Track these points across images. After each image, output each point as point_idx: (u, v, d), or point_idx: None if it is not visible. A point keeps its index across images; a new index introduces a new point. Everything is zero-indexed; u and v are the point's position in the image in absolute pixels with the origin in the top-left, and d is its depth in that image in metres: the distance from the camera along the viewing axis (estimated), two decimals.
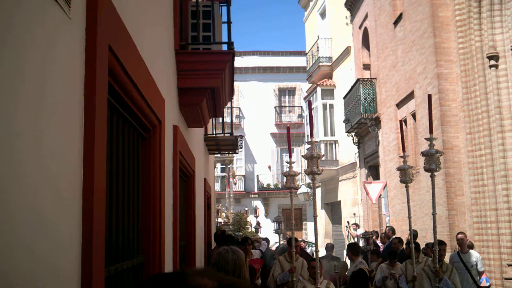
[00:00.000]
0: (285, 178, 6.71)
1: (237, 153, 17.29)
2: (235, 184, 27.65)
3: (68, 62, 1.93)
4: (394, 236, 12.30)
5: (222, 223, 21.40)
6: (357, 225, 19.90)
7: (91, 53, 2.10)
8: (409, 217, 6.20)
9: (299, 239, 16.71)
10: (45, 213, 1.71)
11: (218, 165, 30.11)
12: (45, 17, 1.72)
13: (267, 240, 16.27)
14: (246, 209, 26.76)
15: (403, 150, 6.09)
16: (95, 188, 2.10)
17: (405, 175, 5.87)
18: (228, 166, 25.06)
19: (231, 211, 22.78)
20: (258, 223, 24.27)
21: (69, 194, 1.93)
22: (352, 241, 17.70)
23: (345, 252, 18.48)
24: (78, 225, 2.02)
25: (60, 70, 1.85)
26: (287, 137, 6.58)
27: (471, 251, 10.32)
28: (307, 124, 26.99)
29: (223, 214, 22.05)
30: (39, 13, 1.67)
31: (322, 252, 12.70)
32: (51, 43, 1.78)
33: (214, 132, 10.78)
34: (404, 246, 10.92)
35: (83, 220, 2.05)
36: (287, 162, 5.90)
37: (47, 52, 1.74)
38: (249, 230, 21.87)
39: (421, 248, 10.63)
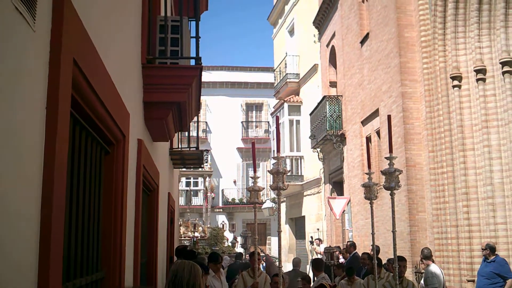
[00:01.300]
0: (249, 193, 6.71)
1: (202, 167, 17.22)
2: (213, 198, 27.52)
3: (31, 75, 1.91)
4: (362, 252, 12.36)
5: (199, 237, 21.25)
6: (320, 240, 19.99)
7: (55, 66, 2.08)
8: (373, 233, 6.26)
9: (262, 254, 16.67)
10: (1, 229, 1.68)
11: (183, 179, 29.96)
12: (9, 29, 1.71)
13: (239, 255, 16.15)
14: (223, 223, 26.67)
15: (369, 167, 6.16)
16: (54, 202, 2.07)
17: (370, 192, 5.93)
18: (207, 179, 24.97)
19: (208, 225, 22.67)
20: (234, 238, 24.22)
21: (27, 208, 1.90)
22: (316, 256, 17.76)
23: (308, 266, 18.54)
24: (35, 240, 1.99)
25: (23, 83, 1.83)
26: (252, 152, 6.59)
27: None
28: (273, 139, 27.13)
29: (200, 229, 21.92)
30: (2, 25, 1.66)
31: (288, 267, 12.70)
32: (14, 55, 1.76)
33: (179, 146, 10.73)
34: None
35: (40, 236, 2.01)
36: (251, 177, 5.90)
37: (9, 64, 1.72)
38: (226, 245, 21.77)
39: (383, 263, 10.74)
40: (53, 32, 2.10)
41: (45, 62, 2.06)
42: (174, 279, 3.57)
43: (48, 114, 2.06)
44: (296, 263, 12.66)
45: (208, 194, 24.63)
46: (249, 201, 6.08)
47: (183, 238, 21.08)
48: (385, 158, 5.84)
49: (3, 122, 1.68)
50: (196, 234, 21.38)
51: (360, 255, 12.12)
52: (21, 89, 1.82)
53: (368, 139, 16.72)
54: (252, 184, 6.46)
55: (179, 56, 5.57)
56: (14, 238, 1.77)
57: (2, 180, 1.68)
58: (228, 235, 26.50)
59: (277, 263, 13.32)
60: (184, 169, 21.12)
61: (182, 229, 21.60)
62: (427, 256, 10.30)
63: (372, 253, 10.98)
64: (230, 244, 22.27)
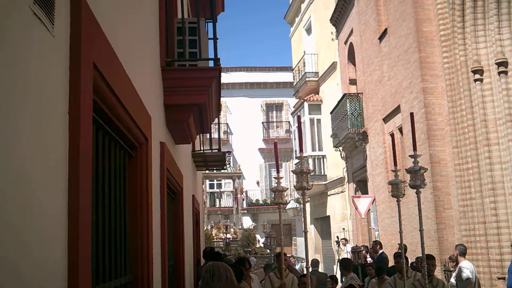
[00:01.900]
0: (273, 193, 6.68)
1: (225, 169, 17.23)
2: (244, 200, 27.56)
3: (52, 80, 1.91)
4: (395, 252, 12.16)
5: (231, 239, 21.26)
6: (346, 240, 19.87)
7: (75, 71, 2.07)
8: (400, 232, 6.17)
9: (288, 255, 16.58)
10: (31, 234, 1.67)
11: (207, 181, 30.04)
12: (28, 35, 1.70)
13: (241, 260, 16.04)
14: (254, 225, 26.64)
15: (395, 164, 6.08)
16: (80, 207, 2.06)
17: (397, 189, 5.85)
18: (236, 181, 24.99)
19: (239, 227, 22.67)
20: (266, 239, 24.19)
21: (54, 214, 1.90)
22: (342, 256, 17.65)
23: (335, 267, 18.44)
24: (64, 245, 1.99)
25: (44, 89, 1.83)
26: (274, 153, 6.56)
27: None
28: (295, 139, 27.04)
29: (232, 230, 21.95)
30: (21, 31, 1.65)
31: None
32: (34, 61, 1.75)
33: (201, 148, 10.75)
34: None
35: (68, 240, 2.01)
36: (275, 178, 5.87)
37: (30, 70, 1.72)
38: (258, 246, 21.76)
39: (410, 262, 10.61)
40: (72, 36, 2.10)
41: (65, 67, 2.05)
42: (212, 277, 3.70)
43: (71, 119, 2.05)
44: (315, 263, 12.60)
45: (238, 195, 24.61)
46: (273, 201, 6.05)
47: (215, 240, 21.11)
48: (410, 156, 5.76)
49: (27, 129, 1.68)
50: (228, 235, 21.39)
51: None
52: (42, 95, 1.82)
53: (391, 136, 16.58)
54: (276, 184, 6.43)
55: (197, 58, 5.56)
56: (42, 244, 1.77)
57: (28, 188, 1.67)
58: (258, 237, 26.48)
59: (304, 263, 13.26)
60: (214, 171, 21.26)
61: (214, 231, 21.63)
62: (462, 252, 10.15)
63: (400, 251, 10.88)
64: (262, 245, 22.21)
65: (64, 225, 1.99)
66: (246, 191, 33.93)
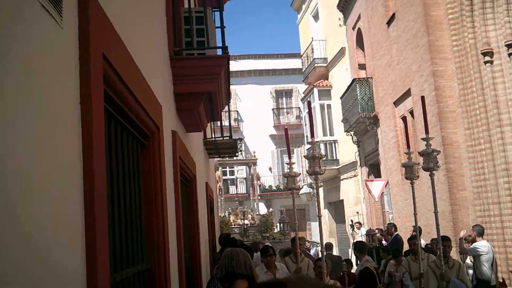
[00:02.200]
0: (286, 179, 6.71)
1: (237, 155, 17.26)
2: (260, 186, 27.57)
3: (62, 72, 1.93)
4: (410, 235, 12.12)
5: (249, 225, 21.36)
6: (360, 224, 19.89)
7: (85, 62, 2.10)
8: (415, 214, 6.18)
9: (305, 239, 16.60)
10: (47, 223, 1.71)
11: (220, 168, 30.11)
12: (37, 28, 1.73)
13: (255, 244, 16.06)
14: (271, 210, 26.69)
15: (408, 147, 6.08)
16: (96, 197, 2.10)
17: (411, 171, 5.86)
18: (252, 167, 24.99)
19: (257, 212, 22.74)
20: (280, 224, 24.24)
21: (70, 204, 1.93)
22: (357, 239, 17.68)
23: (350, 250, 18.48)
24: (81, 234, 2.02)
25: (55, 80, 1.85)
26: (285, 139, 6.59)
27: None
28: (305, 124, 27.03)
29: (249, 216, 22.04)
30: (30, 23, 1.68)
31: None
32: (44, 53, 1.78)
33: (213, 136, 10.78)
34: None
35: (85, 229, 2.05)
36: (287, 163, 5.91)
37: (40, 62, 1.74)
38: (276, 231, 21.86)
39: (425, 244, 10.59)
40: (81, 28, 2.12)
41: (75, 58, 2.07)
42: (230, 262, 3.74)
43: (83, 110, 2.08)
44: (328, 247, 12.65)
45: (255, 182, 24.63)
46: (286, 187, 6.09)
47: (233, 226, 21.21)
48: (422, 139, 5.75)
49: (40, 121, 1.70)
50: (246, 221, 21.48)
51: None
52: (53, 87, 1.84)
53: (403, 119, 16.52)
54: (288, 170, 6.46)
55: (205, 47, 5.58)
56: (61, 235, 1.80)
57: (43, 179, 1.70)
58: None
59: (319, 248, 13.29)
60: (227, 158, 21.36)
61: (232, 218, 21.73)
62: (480, 233, 10.14)
63: (414, 233, 10.88)
64: (279, 230, 22.28)
65: (80, 215, 2.03)
66: (260, 177, 34.00)
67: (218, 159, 22.18)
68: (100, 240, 2.13)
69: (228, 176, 33.92)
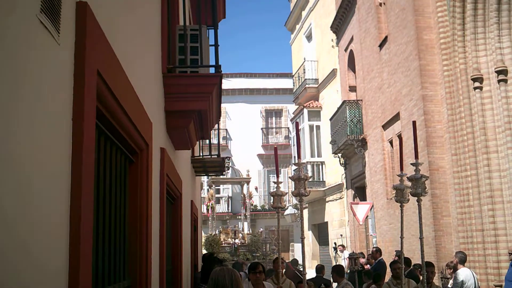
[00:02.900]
0: (272, 198, 6.69)
1: (224, 174, 17.22)
2: (252, 205, 27.50)
3: (56, 87, 1.94)
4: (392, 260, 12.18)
5: (239, 244, 21.23)
6: (343, 247, 19.87)
7: (79, 78, 2.11)
8: (402, 237, 6.18)
9: (287, 260, 16.52)
10: (32, 238, 1.70)
11: (205, 187, 30.00)
12: (34, 42, 1.74)
13: (238, 264, 15.94)
14: (261, 229, 26.65)
15: (401, 169, 6.09)
16: (82, 212, 2.09)
17: (401, 194, 5.86)
18: (244, 186, 24.99)
19: (248, 231, 22.67)
20: (275, 244, 24.09)
21: (56, 218, 1.93)
22: (339, 262, 17.64)
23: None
24: (66, 249, 2.02)
25: (49, 95, 1.86)
26: (274, 157, 6.59)
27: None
28: (294, 145, 27.08)
29: (240, 235, 21.93)
30: (27, 38, 1.69)
31: (312, 274, 12.62)
32: (40, 68, 1.79)
33: (201, 154, 10.77)
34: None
35: (70, 243, 2.04)
36: (274, 182, 5.89)
37: (35, 77, 1.75)
38: (266, 250, 21.73)
39: (407, 271, 10.59)
40: (77, 44, 2.14)
41: (70, 74, 2.09)
42: (216, 285, 3.63)
43: (75, 126, 2.09)
44: (319, 269, 12.58)
45: (247, 201, 24.59)
46: (272, 206, 6.07)
47: (223, 245, 21.10)
48: (411, 164, 5.77)
49: (32, 134, 1.71)
50: (237, 240, 21.37)
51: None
52: (47, 102, 1.85)
53: (391, 143, 16.62)
54: (275, 189, 6.46)
55: (199, 65, 5.60)
56: (44, 247, 1.80)
57: (31, 192, 1.70)
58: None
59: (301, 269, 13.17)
60: (220, 177, 21.28)
61: (223, 236, 21.64)
62: (462, 260, 10.14)
63: (396, 257, 10.88)
64: (270, 250, 22.16)
65: (65, 230, 2.02)
66: (243, 195, 33.87)
67: (212, 177, 22.14)
68: (84, 255, 2.12)
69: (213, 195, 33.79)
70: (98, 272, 2.72)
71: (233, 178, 25.04)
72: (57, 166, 1.95)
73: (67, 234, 2.03)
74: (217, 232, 22.16)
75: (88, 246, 2.22)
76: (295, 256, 31.67)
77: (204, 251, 19.42)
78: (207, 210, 24.20)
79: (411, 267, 11.28)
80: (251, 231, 23.60)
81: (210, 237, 20.88)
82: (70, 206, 2.06)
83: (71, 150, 2.08)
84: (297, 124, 5.92)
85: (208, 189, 26.37)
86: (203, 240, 20.88)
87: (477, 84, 12.44)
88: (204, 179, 31.76)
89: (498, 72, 12.13)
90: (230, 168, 25.37)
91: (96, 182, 2.64)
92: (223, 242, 21.22)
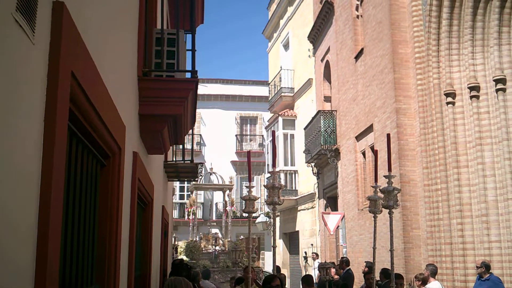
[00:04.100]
0: (244, 203, 6.66)
1: (197, 180, 17.12)
2: (234, 212, 27.34)
3: (29, 88, 1.90)
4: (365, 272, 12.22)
5: (220, 251, 20.99)
6: (317, 255, 19.93)
7: (53, 79, 2.07)
8: (374, 248, 6.22)
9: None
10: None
11: (177, 192, 29.84)
12: (8, 42, 1.70)
13: (206, 272, 15.76)
14: (242, 237, 26.49)
15: (375, 180, 6.13)
16: (51, 216, 2.05)
17: (375, 205, 5.90)
18: (226, 193, 24.85)
19: (228, 239, 22.52)
20: (255, 252, 23.95)
21: (24, 220, 1.88)
22: (309, 272, 17.68)
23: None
24: (33, 252, 1.97)
25: (21, 96, 1.82)
26: (247, 162, 6.56)
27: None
28: (267, 153, 27.11)
29: (220, 242, 21.72)
30: (1, 37, 1.65)
31: None
32: (13, 67, 1.75)
33: (174, 159, 10.70)
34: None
35: (37, 246, 2.00)
36: (246, 187, 5.87)
37: (8, 76, 1.71)
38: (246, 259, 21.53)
39: (377, 280, 10.63)
40: (52, 44, 2.10)
41: (44, 74, 2.05)
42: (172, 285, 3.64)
43: (46, 127, 2.05)
44: (281, 279, 12.51)
45: (228, 208, 24.45)
46: (244, 210, 6.03)
47: (204, 252, 20.86)
48: (384, 176, 5.82)
49: (2, 134, 1.67)
50: (217, 248, 21.15)
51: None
52: (19, 102, 1.81)
53: (363, 155, 16.74)
54: (247, 193, 6.43)
55: (175, 69, 5.57)
56: (11, 249, 1.75)
57: (0, 194, 1.66)
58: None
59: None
60: (203, 183, 21.09)
61: (203, 243, 21.41)
62: (433, 272, 10.21)
63: (366, 270, 10.92)
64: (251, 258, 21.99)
65: (34, 232, 1.98)
66: (216, 203, 33.75)
67: (193, 182, 21.92)
68: (51, 259, 2.08)
69: (185, 200, 33.62)
70: (65, 276, 2.67)
71: (215, 184, 24.91)
72: (28, 167, 1.91)
73: (35, 236, 1.99)
74: (197, 238, 21.95)
75: (56, 249, 2.17)
76: (265, 264, 31.68)
77: (185, 258, 19.20)
78: (188, 215, 23.99)
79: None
80: (230, 238, 23.49)
81: (191, 243, 20.66)
82: (39, 208, 2.02)
83: (42, 152, 2.03)
84: (273, 133, 5.93)
85: (189, 195, 26.15)
86: (183, 246, 20.66)
87: (449, 99, 12.62)
88: (185, 184, 31.55)
89: (471, 88, 12.33)
90: (213, 174, 25.24)
91: (66, 184, 2.59)
92: (203, 249, 21.02)
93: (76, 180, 2.85)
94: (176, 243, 21.56)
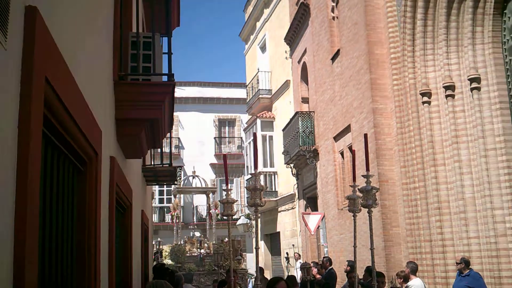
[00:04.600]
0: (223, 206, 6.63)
1: (176, 184, 17.04)
2: (218, 215, 27.24)
3: (2, 94, 1.87)
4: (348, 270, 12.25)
5: (205, 254, 20.82)
6: (299, 255, 19.97)
7: (27, 86, 2.04)
8: (355, 246, 6.25)
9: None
10: None
11: (156, 196, 29.65)
12: None
13: (189, 275, 15.65)
14: (226, 239, 26.33)
15: (354, 180, 6.17)
16: (27, 223, 2.02)
17: (354, 204, 5.94)
18: (210, 195, 24.75)
19: (213, 241, 22.40)
20: (240, 254, 23.86)
21: (0, 231, 1.85)
22: (291, 272, 17.71)
23: None
24: (10, 261, 1.94)
25: None
26: (224, 165, 6.55)
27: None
28: (246, 155, 27.12)
29: (205, 245, 21.57)
30: None
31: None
32: None
33: (152, 163, 10.63)
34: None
35: (14, 255, 1.97)
36: (224, 190, 5.87)
37: None
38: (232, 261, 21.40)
39: (359, 279, 10.69)
40: (25, 50, 2.07)
41: (17, 80, 2.02)
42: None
43: (20, 133, 2.01)
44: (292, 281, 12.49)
45: (212, 210, 24.34)
46: (223, 214, 6.02)
47: (188, 255, 20.69)
48: (362, 176, 5.86)
49: None
50: (202, 251, 21.00)
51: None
52: None
53: (341, 155, 16.82)
54: (225, 196, 6.41)
55: (151, 73, 5.53)
56: None
57: None
58: None
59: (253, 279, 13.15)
60: (185, 186, 20.98)
61: (188, 246, 21.25)
62: (414, 270, 10.28)
63: (348, 269, 10.97)
64: (236, 260, 21.91)
65: (10, 241, 1.95)
66: (196, 206, 33.61)
67: (176, 186, 21.80)
68: (29, 268, 2.05)
69: (165, 204, 33.47)
70: (44, 284, 2.63)
71: (198, 187, 24.85)
72: (2, 175, 1.88)
73: (11, 245, 1.96)
74: (182, 242, 21.81)
75: (34, 257, 2.14)
76: (247, 266, 31.63)
77: (170, 262, 19.06)
78: (172, 219, 23.84)
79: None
80: (215, 241, 23.41)
81: (176, 247, 20.52)
82: (15, 217, 1.98)
83: (16, 159, 2.00)
84: (254, 135, 5.93)
85: (171, 199, 25.99)
86: (168, 250, 20.51)
87: (425, 98, 12.76)
88: (165, 188, 31.32)
89: (446, 88, 12.47)
90: (196, 177, 25.15)
91: (42, 192, 2.56)
92: (188, 252, 20.90)
93: (53, 187, 2.81)
94: (161, 247, 21.40)
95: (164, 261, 19.01)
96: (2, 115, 1.88)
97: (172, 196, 28.82)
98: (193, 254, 20.83)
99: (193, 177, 24.35)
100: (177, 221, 22.91)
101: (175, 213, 23.00)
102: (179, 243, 21.44)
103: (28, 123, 2.04)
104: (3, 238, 1.89)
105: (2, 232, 1.88)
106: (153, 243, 25.65)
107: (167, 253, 20.34)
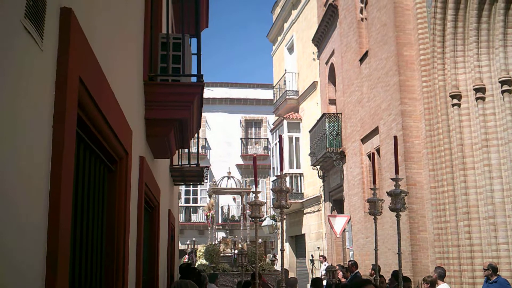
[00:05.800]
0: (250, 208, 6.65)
1: (202, 184, 17.12)
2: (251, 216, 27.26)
3: (38, 94, 1.91)
4: (366, 272, 12.24)
5: (239, 254, 20.91)
6: (324, 258, 19.87)
7: (61, 85, 2.08)
8: (376, 250, 6.22)
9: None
10: (9, 248, 1.66)
11: (183, 196, 29.82)
12: (17, 49, 1.71)
13: (213, 275, 15.67)
14: (260, 241, 26.41)
15: (374, 182, 6.14)
16: (61, 222, 2.06)
17: (374, 207, 5.91)
18: (244, 197, 24.86)
19: (248, 242, 22.50)
20: (274, 256, 23.90)
21: (34, 228, 1.89)
22: (316, 275, 17.63)
23: (308, 285, 18.40)
24: (43, 257, 1.98)
25: (30, 102, 1.83)
26: (253, 167, 6.56)
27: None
28: (272, 156, 27.10)
29: (239, 246, 21.72)
30: (11, 43, 1.66)
31: None
32: (22, 74, 1.76)
33: (180, 163, 10.70)
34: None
35: (47, 251, 2.00)
36: (252, 192, 5.89)
37: (17, 83, 1.72)
38: (266, 262, 21.47)
39: (386, 283, 10.61)
40: (60, 51, 2.10)
41: (52, 80, 2.05)
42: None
43: (55, 133, 2.05)
44: (292, 283, 12.49)
45: (247, 211, 24.41)
46: (251, 216, 6.03)
47: (223, 255, 20.84)
48: (391, 179, 5.82)
49: (11, 140, 1.67)
50: (236, 251, 21.12)
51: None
52: (28, 108, 1.82)
53: (369, 157, 16.71)
54: (254, 198, 6.42)
55: (180, 74, 5.57)
56: (21, 256, 1.76)
57: (9, 198, 1.66)
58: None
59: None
60: (220, 186, 21.21)
61: (222, 246, 21.39)
62: (441, 275, 10.15)
63: (372, 272, 10.88)
64: (269, 261, 21.90)
65: (44, 239, 1.98)
66: (222, 206, 33.70)
67: (213, 186, 22.00)
68: (61, 265, 2.08)
69: (191, 204, 33.65)
70: (74, 280, 2.67)
71: (233, 188, 24.94)
72: (37, 173, 1.91)
73: (45, 242, 1.99)
74: (217, 242, 21.90)
75: (65, 254, 2.18)
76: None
77: (204, 262, 19.16)
78: (207, 219, 23.96)
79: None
80: (248, 241, 23.46)
81: (210, 247, 20.65)
82: (49, 214, 2.02)
83: (50, 157, 2.04)
84: (280, 137, 5.94)
85: (208, 198, 26.11)
86: (202, 250, 20.64)
87: (455, 101, 12.60)
88: (191, 188, 31.48)
89: (476, 90, 12.31)
90: (231, 178, 25.25)
91: (74, 190, 2.60)
92: (222, 252, 21.00)
93: (84, 185, 2.85)
94: (195, 246, 21.47)
95: (198, 261, 19.13)
96: (38, 114, 1.92)
97: (207, 197, 28.96)
98: (226, 254, 20.89)
99: (228, 178, 24.35)
100: (212, 221, 22.98)
101: (210, 213, 23.06)
102: (213, 243, 21.51)
103: (62, 122, 2.07)
104: (38, 236, 1.93)
105: (36, 230, 1.92)
106: (187, 242, 25.79)
107: (201, 253, 20.43)
